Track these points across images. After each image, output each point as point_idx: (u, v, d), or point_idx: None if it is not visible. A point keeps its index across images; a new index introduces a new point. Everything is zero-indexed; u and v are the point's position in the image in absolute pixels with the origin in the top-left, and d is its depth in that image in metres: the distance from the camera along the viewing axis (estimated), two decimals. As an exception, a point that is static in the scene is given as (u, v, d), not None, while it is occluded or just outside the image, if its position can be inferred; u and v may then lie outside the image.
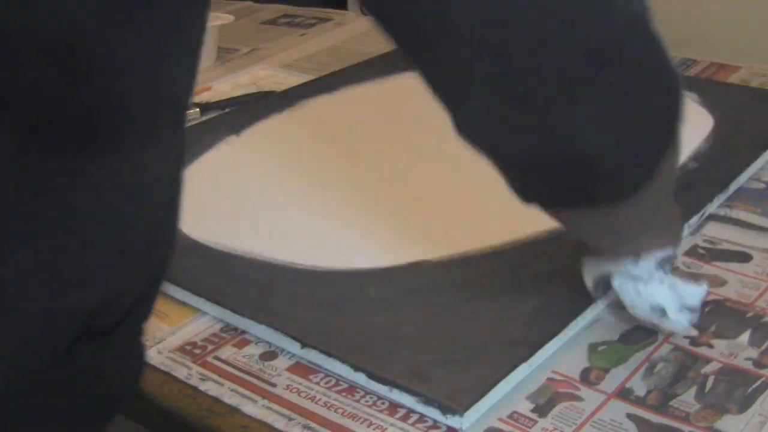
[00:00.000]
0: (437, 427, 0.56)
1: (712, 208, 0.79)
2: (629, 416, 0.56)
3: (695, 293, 0.60)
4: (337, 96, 1.09)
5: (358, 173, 0.89)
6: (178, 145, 0.48)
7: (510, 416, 0.57)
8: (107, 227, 0.44)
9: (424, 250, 0.73)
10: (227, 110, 1.09)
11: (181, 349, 0.66)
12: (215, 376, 0.62)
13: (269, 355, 0.64)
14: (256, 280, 0.71)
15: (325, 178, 0.88)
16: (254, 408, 0.59)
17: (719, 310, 0.65)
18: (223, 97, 1.14)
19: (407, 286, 0.69)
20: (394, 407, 0.58)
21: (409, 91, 1.09)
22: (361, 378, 0.60)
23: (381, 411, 0.58)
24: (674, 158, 0.56)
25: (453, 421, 0.56)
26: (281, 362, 0.64)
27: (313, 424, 0.57)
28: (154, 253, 0.49)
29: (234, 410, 0.59)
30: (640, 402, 0.57)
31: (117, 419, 0.51)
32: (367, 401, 0.59)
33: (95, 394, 0.49)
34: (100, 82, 0.41)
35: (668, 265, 0.60)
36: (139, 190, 0.45)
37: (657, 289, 0.59)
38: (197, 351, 0.65)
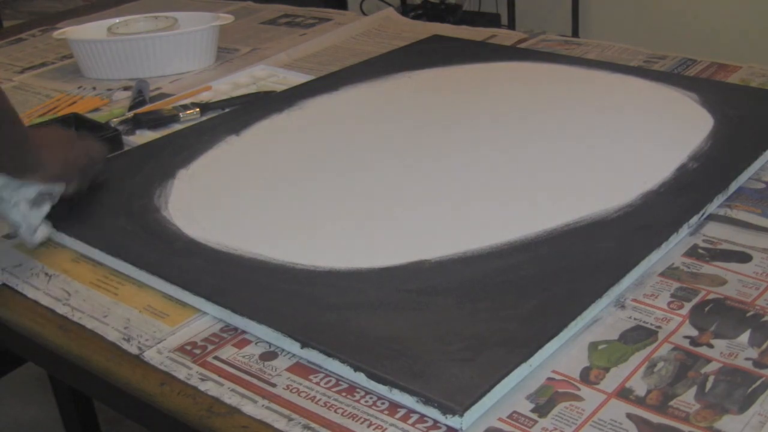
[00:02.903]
0: (437, 427, 0.57)
1: (712, 208, 0.79)
2: (629, 416, 0.56)
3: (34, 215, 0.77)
4: (337, 96, 1.10)
5: (358, 173, 0.89)
6: None
7: (510, 416, 0.57)
8: None
9: (424, 250, 0.73)
10: (227, 110, 1.09)
11: (181, 349, 0.66)
12: (215, 376, 0.63)
13: (269, 355, 0.64)
14: (256, 280, 0.71)
15: (325, 178, 0.88)
16: (254, 408, 0.59)
17: (719, 310, 0.65)
18: (223, 97, 1.14)
19: (407, 286, 0.69)
20: (394, 407, 0.58)
21: (409, 91, 1.09)
22: (361, 378, 0.60)
23: (381, 411, 0.58)
24: None
25: (453, 421, 0.56)
26: (281, 362, 0.64)
27: (313, 424, 0.57)
28: None
29: (234, 410, 0.59)
30: (640, 402, 0.57)
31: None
32: (367, 401, 0.59)
33: None
34: None
35: (40, 199, 0.77)
36: None
37: (11, 212, 0.77)
38: (197, 351, 0.65)
